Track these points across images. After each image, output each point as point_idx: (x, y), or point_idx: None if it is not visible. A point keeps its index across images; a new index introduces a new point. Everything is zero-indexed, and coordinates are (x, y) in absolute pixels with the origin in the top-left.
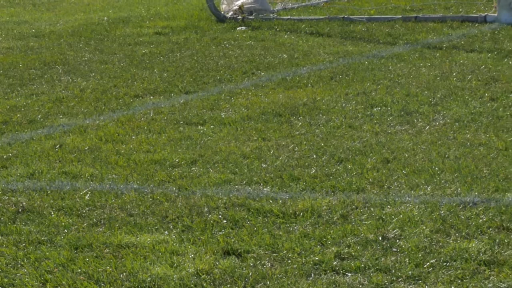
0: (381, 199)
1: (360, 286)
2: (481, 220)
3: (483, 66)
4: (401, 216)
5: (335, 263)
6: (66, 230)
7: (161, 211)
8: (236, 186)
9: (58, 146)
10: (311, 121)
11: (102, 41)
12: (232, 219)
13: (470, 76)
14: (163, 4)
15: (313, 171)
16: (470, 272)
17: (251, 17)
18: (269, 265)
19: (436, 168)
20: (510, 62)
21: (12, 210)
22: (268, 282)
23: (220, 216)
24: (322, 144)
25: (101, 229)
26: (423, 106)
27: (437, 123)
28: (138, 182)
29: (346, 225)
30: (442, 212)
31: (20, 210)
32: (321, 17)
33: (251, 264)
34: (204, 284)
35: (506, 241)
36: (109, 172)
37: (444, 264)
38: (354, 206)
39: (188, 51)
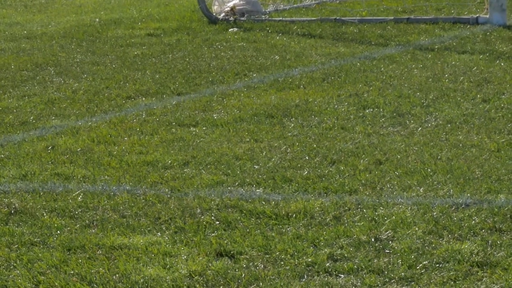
0: (373, 200)
1: (353, 287)
2: (473, 222)
3: (475, 68)
4: (393, 217)
5: (328, 264)
6: (58, 232)
7: (153, 213)
8: (229, 188)
9: (50, 147)
10: (303, 122)
11: (94, 42)
12: (225, 221)
13: (462, 78)
14: (155, 6)
15: (306, 172)
16: (462, 274)
17: (243, 18)
18: (262, 266)
19: (429, 170)
20: (502, 64)
21: (4, 212)
22: (261, 284)
23: (212, 218)
24: (315, 146)
25: (93, 231)
26: (415, 107)
27: (429, 125)
28: (131, 183)
29: (338, 227)
30: (434, 213)
31: (12, 211)
32: (313, 18)
33: (244, 266)
34: (197, 286)
35: (498, 242)
36: (102, 173)
37: (437, 265)
38: (346, 208)
39: (180, 52)
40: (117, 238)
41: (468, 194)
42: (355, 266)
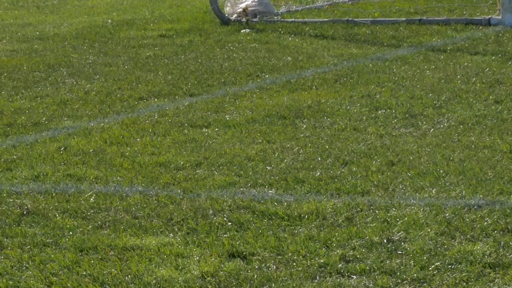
0: (386, 201)
1: None
2: (486, 223)
3: (487, 69)
4: (406, 218)
5: (340, 265)
6: (71, 233)
7: (166, 214)
8: (241, 189)
9: (62, 148)
10: (315, 123)
11: (106, 43)
12: (237, 222)
13: (474, 79)
14: (167, 7)
15: (318, 173)
16: (475, 275)
17: (255, 19)
18: (274, 267)
19: (441, 171)
20: None
21: (17, 213)
22: (273, 285)
23: (225, 219)
24: (327, 147)
25: (106, 232)
26: (428, 108)
27: (442, 126)
28: (143, 184)
29: (351, 228)
30: (447, 214)
31: (25, 212)
32: (325, 19)
33: (256, 267)
34: (209, 287)
35: (511, 243)
36: (114, 174)
37: (449, 266)
38: (359, 209)
39: (192, 53)
40: (129, 239)
41: (481, 195)
42: (367, 267)
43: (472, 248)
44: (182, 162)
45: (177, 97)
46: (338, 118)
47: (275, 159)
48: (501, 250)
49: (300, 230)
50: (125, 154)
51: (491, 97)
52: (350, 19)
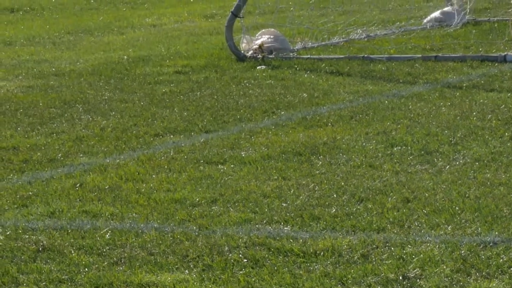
0: (401, 238)
1: None
2: (501, 260)
3: (503, 106)
4: (421, 255)
5: None
6: (86, 269)
7: (181, 250)
8: (257, 225)
9: (78, 185)
10: (331, 160)
11: (122, 80)
12: (252, 259)
13: (490, 116)
14: (183, 43)
15: (334, 210)
16: None
17: (271, 56)
18: None
19: (457, 208)
20: None
21: (32, 249)
22: None
23: (240, 255)
24: (343, 184)
25: (121, 268)
26: (443, 145)
27: (457, 163)
28: (159, 221)
29: (366, 265)
30: (462, 251)
31: (40, 249)
32: (341, 56)
33: None
34: None
35: None
36: (130, 211)
37: None
38: (374, 246)
39: (208, 90)
40: (145, 275)
41: (496, 232)
42: None
43: (488, 285)
44: (197, 199)
45: (192, 133)
46: (354, 155)
47: (291, 196)
48: None
49: (316, 267)
50: (140, 190)
51: (507, 134)
52: (366, 55)
